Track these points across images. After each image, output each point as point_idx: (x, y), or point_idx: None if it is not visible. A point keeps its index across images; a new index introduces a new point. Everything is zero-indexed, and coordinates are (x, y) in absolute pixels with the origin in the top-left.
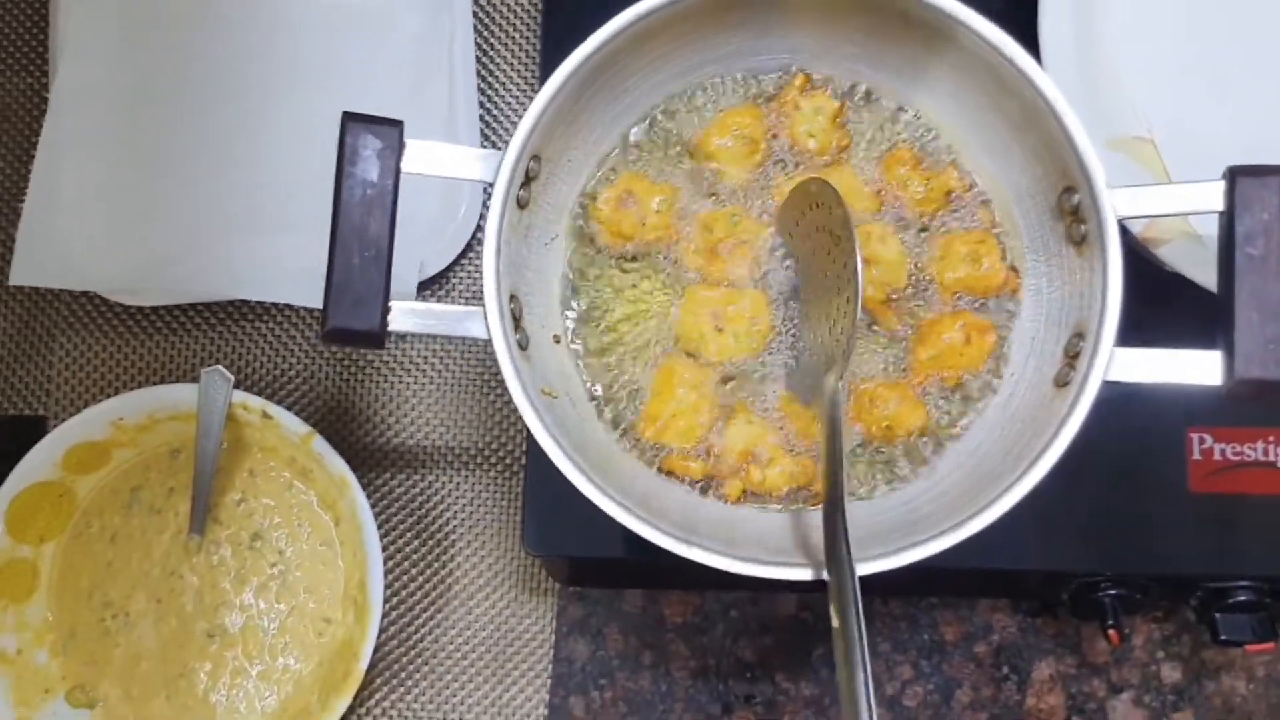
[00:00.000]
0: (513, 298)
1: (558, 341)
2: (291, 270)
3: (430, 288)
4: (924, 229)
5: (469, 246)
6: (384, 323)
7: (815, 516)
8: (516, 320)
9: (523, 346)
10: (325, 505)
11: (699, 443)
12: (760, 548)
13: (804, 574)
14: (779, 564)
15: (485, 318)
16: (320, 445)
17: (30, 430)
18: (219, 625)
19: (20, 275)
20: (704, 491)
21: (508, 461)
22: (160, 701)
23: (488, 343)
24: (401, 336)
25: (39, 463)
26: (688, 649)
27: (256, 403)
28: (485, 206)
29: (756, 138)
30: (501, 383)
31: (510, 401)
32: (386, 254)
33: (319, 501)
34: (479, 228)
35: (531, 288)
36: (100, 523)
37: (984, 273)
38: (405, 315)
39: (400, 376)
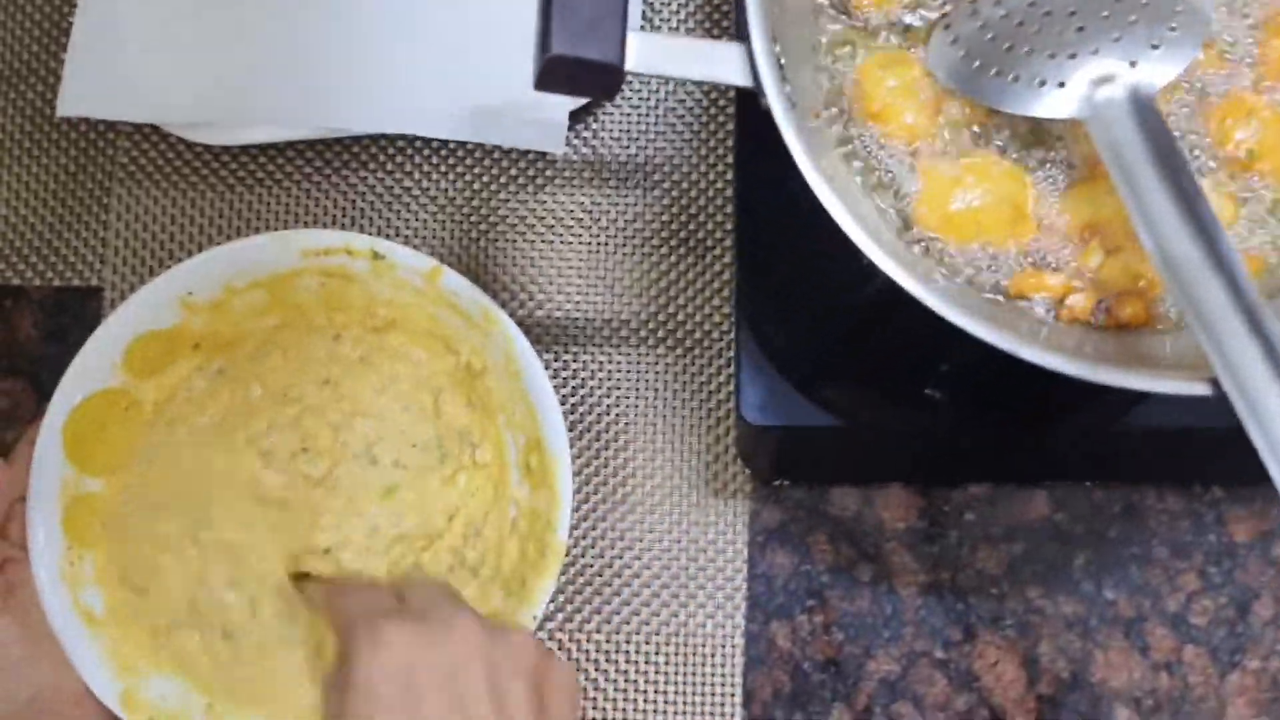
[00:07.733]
0: (775, 39)
1: (816, 117)
2: (406, 94)
3: (584, 120)
4: None
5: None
6: (623, 54)
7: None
8: (782, 70)
9: (793, 103)
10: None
11: (1029, 238)
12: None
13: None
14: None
15: (751, 55)
16: (452, 280)
17: (84, 304)
18: None
19: (70, 104)
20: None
21: (679, 335)
22: None
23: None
24: (541, 185)
25: (95, 364)
26: (915, 561)
27: (363, 242)
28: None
29: None
30: (668, 239)
31: (678, 263)
32: None
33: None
34: None
35: (788, 45)
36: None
37: None
38: (648, 48)
39: (542, 234)
